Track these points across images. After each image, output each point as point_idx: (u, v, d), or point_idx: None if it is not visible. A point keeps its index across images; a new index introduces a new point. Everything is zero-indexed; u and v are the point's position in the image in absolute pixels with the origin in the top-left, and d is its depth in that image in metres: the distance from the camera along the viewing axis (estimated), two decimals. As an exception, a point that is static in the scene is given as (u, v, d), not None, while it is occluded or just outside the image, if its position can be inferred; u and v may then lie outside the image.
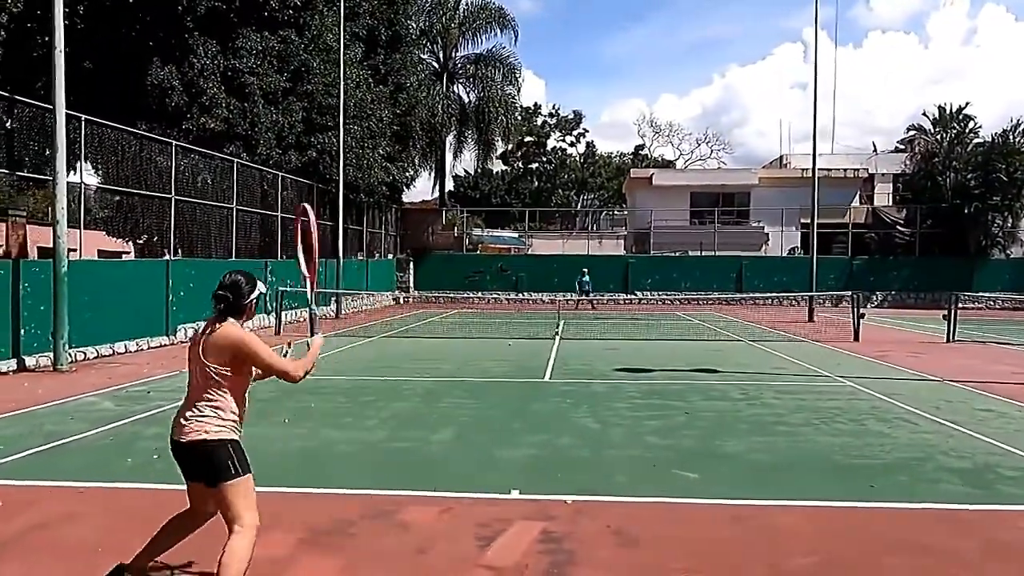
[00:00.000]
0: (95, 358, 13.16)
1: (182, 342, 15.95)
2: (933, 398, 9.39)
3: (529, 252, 40.26)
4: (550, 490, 5.53)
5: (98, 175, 17.27)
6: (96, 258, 20.90)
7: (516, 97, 38.15)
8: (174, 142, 16.44)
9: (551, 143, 67.77)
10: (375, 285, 30.49)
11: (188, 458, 3.59)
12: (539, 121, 66.25)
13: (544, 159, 67.36)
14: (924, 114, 35.53)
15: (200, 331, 3.66)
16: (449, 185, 56.45)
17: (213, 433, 3.50)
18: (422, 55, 34.79)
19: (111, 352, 13.78)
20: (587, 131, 67.98)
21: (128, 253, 27.39)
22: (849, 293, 18.58)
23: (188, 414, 3.54)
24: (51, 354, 11.97)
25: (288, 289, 18.93)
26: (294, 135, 23.45)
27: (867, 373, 11.67)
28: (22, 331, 11.72)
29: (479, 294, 33.48)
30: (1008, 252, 33.28)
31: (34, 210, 38.53)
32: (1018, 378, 11.13)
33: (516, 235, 46.88)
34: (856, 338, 16.58)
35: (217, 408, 3.54)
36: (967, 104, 33.77)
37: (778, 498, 5.39)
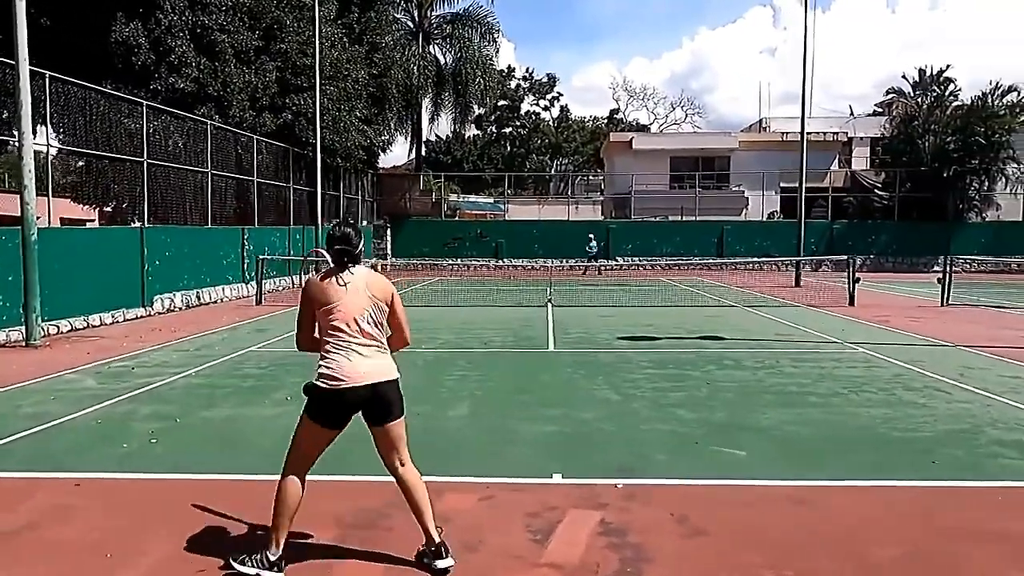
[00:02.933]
0: (69, 331, 12.45)
1: (159, 313, 15.26)
2: (953, 365, 9.15)
3: (506, 218, 39.74)
4: (591, 472, 5.13)
5: (58, 138, 16.29)
6: (59, 226, 19.97)
7: (494, 58, 37.15)
8: (145, 102, 15.50)
9: (525, 107, 66.72)
10: (352, 252, 29.71)
11: (372, 399, 3.60)
12: (513, 84, 65.01)
13: (518, 123, 66.31)
14: (904, 77, 35.54)
15: (326, 281, 3.62)
16: (419, 150, 55.37)
17: (394, 373, 3.69)
18: (396, 14, 33.66)
19: (85, 325, 13.05)
20: (561, 95, 66.99)
21: (92, 221, 26.26)
22: (845, 257, 18.39)
23: (361, 359, 3.58)
24: (22, 328, 11.26)
25: (268, 258, 18.21)
26: (268, 96, 22.49)
27: (876, 339, 11.44)
28: (-11, 304, 10.98)
29: (458, 261, 32.97)
30: (984, 216, 33.51)
31: (-10, 176, 36.79)
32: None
33: (492, 201, 46.26)
34: (851, 303, 16.41)
35: (385, 349, 3.72)
36: (947, 67, 33.75)
37: (835, 478, 5.03)
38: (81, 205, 19.57)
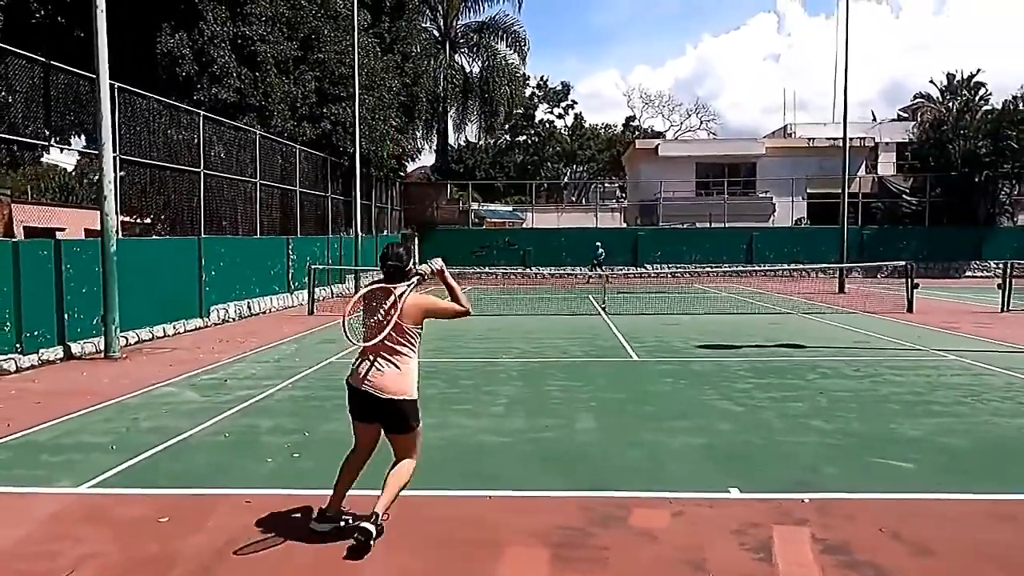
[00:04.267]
0: (136, 343, 12.36)
1: (215, 324, 15.18)
2: (1057, 372, 9.02)
3: (524, 226, 39.73)
4: (767, 486, 5.01)
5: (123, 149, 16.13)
6: (83, 237, 19.87)
7: (521, 66, 37.12)
8: (202, 113, 15.47)
9: (539, 115, 66.66)
10: (383, 261, 29.65)
11: (385, 411, 4.12)
12: (527, 93, 64.95)
13: (531, 132, 66.24)
14: (931, 82, 35.38)
15: (369, 293, 4.17)
16: (433, 159, 55.28)
17: (412, 393, 4.18)
18: (424, 23, 33.68)
19: (151, 336, 12.97)
20: (575, 103, 67.00)
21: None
22: (904, 263, 18.26)
23: (386, 369, 4.11)
24: (96, 340, 11.24)
25: (321, 267, 18.12)
26: (307, 106, 22.48)
27: (959, 346, 11.30)
28: (66, 316, 10.90)
29: (487, 269, 32.85)
30: (1015, 220, 33.31)
31: (14, 188, 36.86)
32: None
33: (511, 209, 46.17)
34: (910, 309, 16.27)
35: (411, 368, 4.20)
36: (978, 71, 33.71)
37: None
38: (132, 217, 19.50)
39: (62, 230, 25.69)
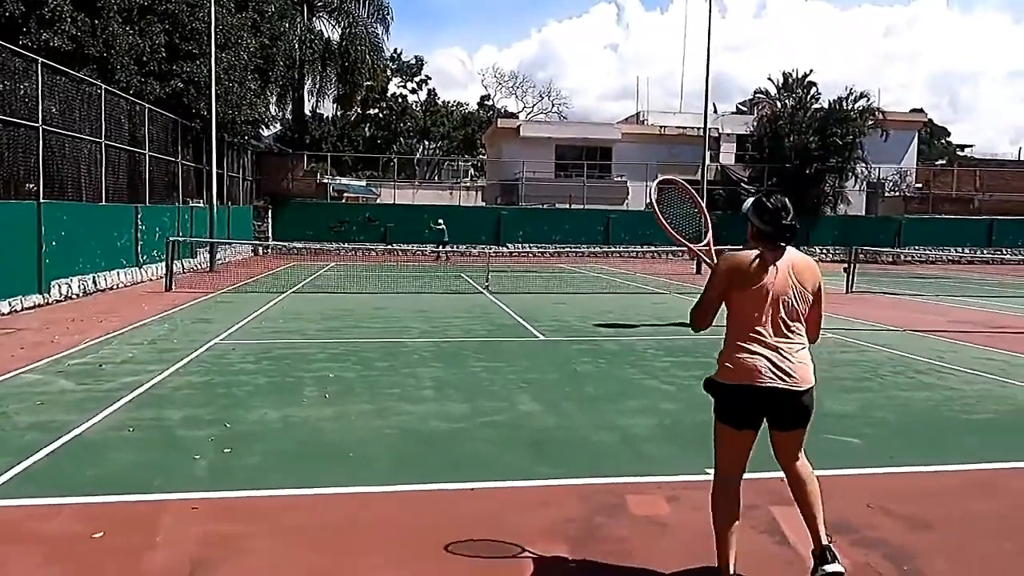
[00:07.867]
0: (-35, 323, 10.66)
1: (57, 301, 13.47)
2: (925, 348, 9.87)
3: (380, 201, 38.81)
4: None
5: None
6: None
7: (383, 37, 35.83)
8: (41, 59, 13.52)
9: (392, 88, 64.99)
10: (234, 234, 27.74)
11: (794, 405, 3.24)
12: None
13: (384, 105, 64.49)
14: (769, 79, 37.93)
15: (752, 260, 3.21)
16: (278, 128, 52.27)
17: (812, 377, 3.28)
18: (279, -19, 31.56)
19: (-18, 315, 11.25)
20: (429, 78, 66.03)
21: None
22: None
23: (793, 358, 3.19)
24: (-80, 319, 9.52)
25: (180, 239, 16.52)
26: (156, 61, 20.40)
27: (828, 324, 12.11)
28: None
29: (346, 245, 31.62)
30: (836, 210, 36.68)
31: None
32: (964, 327, 12.11)
33: (364, 184, 44.83)
34: (770, 290, 17.34)
35: (807, 348, 3.30)
36: (811, 71, 36.48)
37: (974, 461, 5.28)
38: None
39: None
